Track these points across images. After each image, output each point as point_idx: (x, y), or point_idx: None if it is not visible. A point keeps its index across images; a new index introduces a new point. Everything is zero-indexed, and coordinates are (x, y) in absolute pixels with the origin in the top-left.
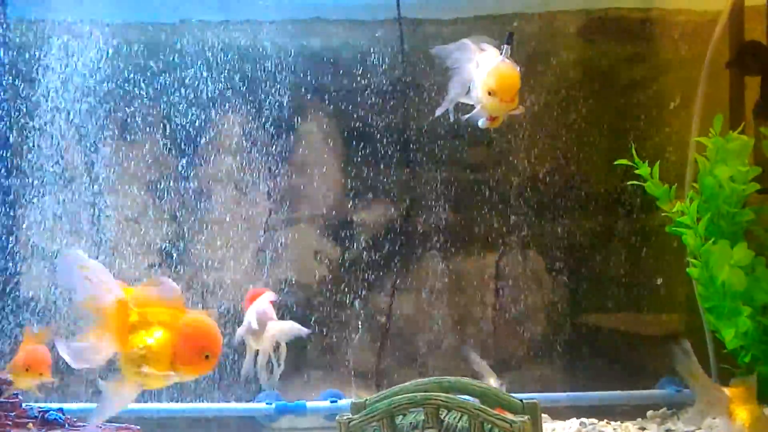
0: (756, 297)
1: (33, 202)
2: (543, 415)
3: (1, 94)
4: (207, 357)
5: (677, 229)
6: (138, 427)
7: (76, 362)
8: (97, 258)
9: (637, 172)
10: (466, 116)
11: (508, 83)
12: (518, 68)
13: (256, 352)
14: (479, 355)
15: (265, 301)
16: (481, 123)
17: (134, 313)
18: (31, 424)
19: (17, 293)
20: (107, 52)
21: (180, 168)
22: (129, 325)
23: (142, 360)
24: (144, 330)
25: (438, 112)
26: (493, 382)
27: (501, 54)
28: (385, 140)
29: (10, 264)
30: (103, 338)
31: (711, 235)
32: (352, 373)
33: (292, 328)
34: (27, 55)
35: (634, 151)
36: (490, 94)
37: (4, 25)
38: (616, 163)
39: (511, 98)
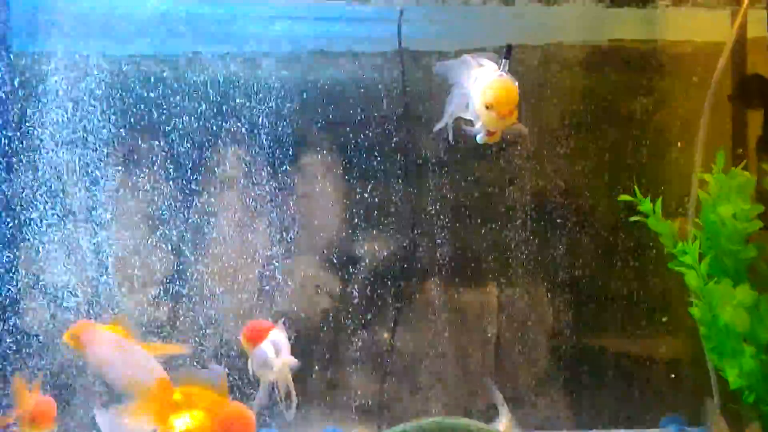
0: (760, 335)
1: (32, 236)
2: None
3: (2, 126)
4: None
5: (679, 267)
6: None
7: None
8: (97, 289)
9: (639, 208)
10: (465, 129)
11: (506, 97)
12: (516, 82)
13: (272, 386)
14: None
15: (280, 333)
16: (480, 138)
17: (177, 392)
18: None
19: (15, 331)
20: (111, 84)
21: (182, 200)
22: (172, 404)
23: None
24: (187, 411)
25: (436, 127)
26: (505, 420)
27: (499, 68)
28: (387, 171)
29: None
30: (143, 416)
31: (714, 273)
32: (353, 408)
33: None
34: (30, 88)
35: (636, 187)
36: (487, 108)
37: (7, 58)
38: (618, 199)
39: (509, 112)
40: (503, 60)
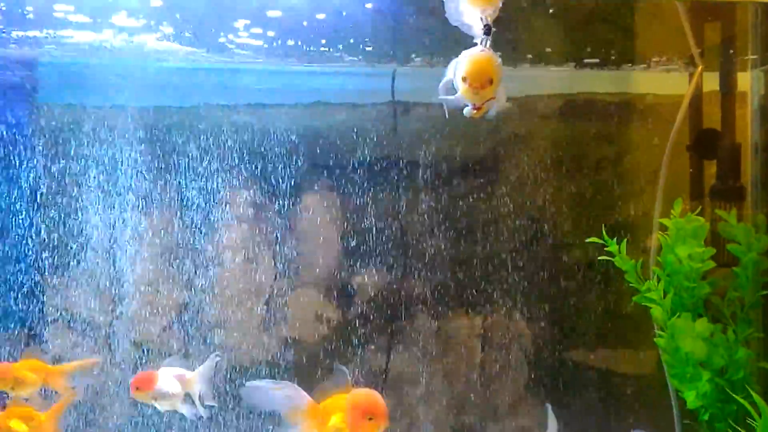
0: (714, 361)
1: (61, 272)
2: None
3: (33, 176)
4: (370, 419)
5: (646, 303)
6: None
7: None
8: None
9: (606, 249)
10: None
11: (480, 69)
12: (498, 60)
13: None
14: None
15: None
16: (467, 111)
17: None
18: None
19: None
20: (131, 133)
21: (195, 238)
22: (324, 414)
23: None
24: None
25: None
26: None
27: (480, 44)
28: (380, 211)
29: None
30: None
31: (675, 307)
32: None
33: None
34: (57, 139)
35: (603, 230)
36: (463, 80)
37: (36, 110)
38: (587, 240)
39: (481, 84)
40: (483, 37)
